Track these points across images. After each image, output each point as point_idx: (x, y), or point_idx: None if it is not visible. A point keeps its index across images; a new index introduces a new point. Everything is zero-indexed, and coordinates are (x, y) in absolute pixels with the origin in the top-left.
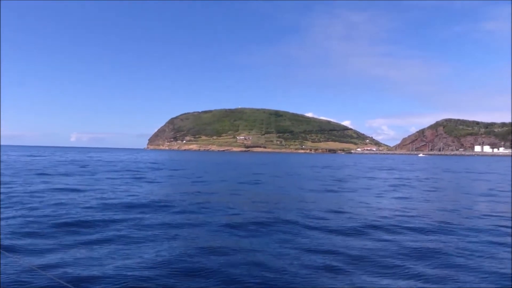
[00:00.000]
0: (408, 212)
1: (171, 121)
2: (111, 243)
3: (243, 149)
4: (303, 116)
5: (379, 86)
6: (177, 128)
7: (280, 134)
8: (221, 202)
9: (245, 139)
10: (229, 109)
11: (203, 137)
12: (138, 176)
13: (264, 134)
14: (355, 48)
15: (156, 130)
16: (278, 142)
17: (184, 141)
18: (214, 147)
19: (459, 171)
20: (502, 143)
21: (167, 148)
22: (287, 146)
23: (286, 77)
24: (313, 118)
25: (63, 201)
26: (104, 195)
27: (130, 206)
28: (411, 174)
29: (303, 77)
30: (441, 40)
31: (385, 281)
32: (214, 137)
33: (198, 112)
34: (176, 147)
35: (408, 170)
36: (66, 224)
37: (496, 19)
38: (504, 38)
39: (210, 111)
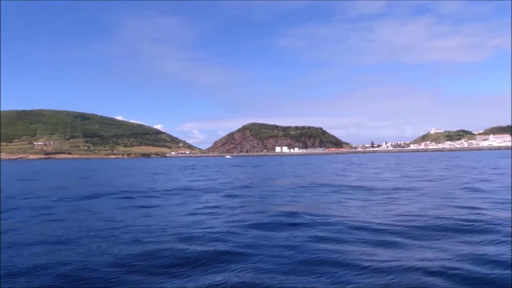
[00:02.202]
0: None
1: None
2: None
3: (43, 156)
4: (113, 120)
5: (189, 90)
6: None
7: (88, 139)
8: None
9: (45, 144)
10: (23, 111)
11: None
12: None
13: (68, 139)
14: (165, 51)
15: None
16: (86, 147)
17: None
18: (4, 155)
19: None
20: (297, 144)
21: None
22: (96, 151)
23: (93, 77)
24: (124, 121)
25: None
26: None
27: None
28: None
29: (111, 78)
30: (242, 50)
31: None
32: (4, 144)
33: None
34: None
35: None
36: None
37: (288, 37)
38: (293, 53)
39: None
